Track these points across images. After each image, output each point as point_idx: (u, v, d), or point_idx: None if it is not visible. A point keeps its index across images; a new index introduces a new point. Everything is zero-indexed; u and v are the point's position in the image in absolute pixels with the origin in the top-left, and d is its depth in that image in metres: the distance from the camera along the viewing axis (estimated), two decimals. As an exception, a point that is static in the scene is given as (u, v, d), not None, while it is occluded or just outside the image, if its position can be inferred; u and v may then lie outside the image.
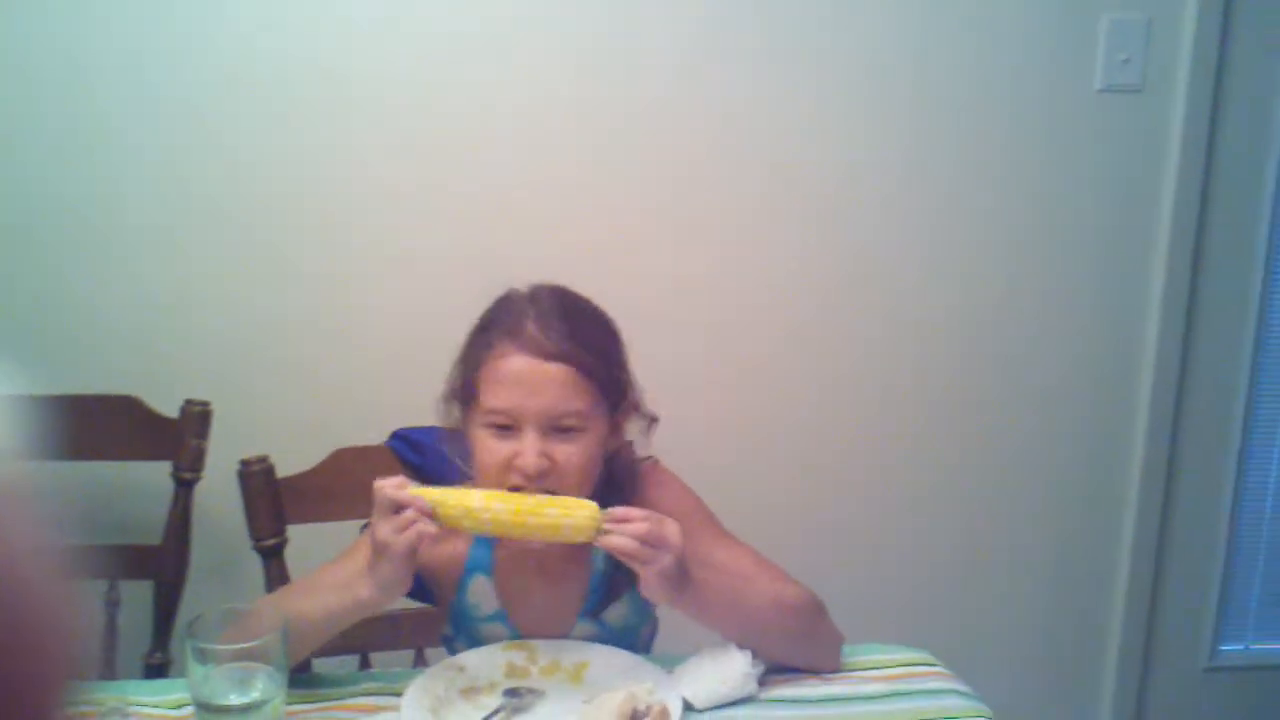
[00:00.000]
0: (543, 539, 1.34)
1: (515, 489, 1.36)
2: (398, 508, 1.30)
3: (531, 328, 1.37)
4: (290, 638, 1.28)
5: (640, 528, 1.29)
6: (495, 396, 1.37)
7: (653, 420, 1.50)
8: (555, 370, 1.36)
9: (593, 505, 1.32)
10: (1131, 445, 2.43)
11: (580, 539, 1.32)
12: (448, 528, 1.32)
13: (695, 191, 2.19)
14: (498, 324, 1.40)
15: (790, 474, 2.33)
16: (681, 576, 1.32)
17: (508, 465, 1.36)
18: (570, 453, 1.37)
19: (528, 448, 1.35)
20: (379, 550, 1.30)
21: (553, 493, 1.34)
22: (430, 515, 1.30)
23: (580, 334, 1.39)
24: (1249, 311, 2.41)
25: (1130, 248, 2.35)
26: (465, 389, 1.42)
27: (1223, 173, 2.33)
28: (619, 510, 1.32)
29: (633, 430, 1.49)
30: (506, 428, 1.37)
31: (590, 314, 1.44)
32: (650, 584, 1.32)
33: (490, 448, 1.38)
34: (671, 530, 1.30)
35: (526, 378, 1.36)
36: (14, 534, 0.39)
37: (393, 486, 1.31)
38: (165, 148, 2.03)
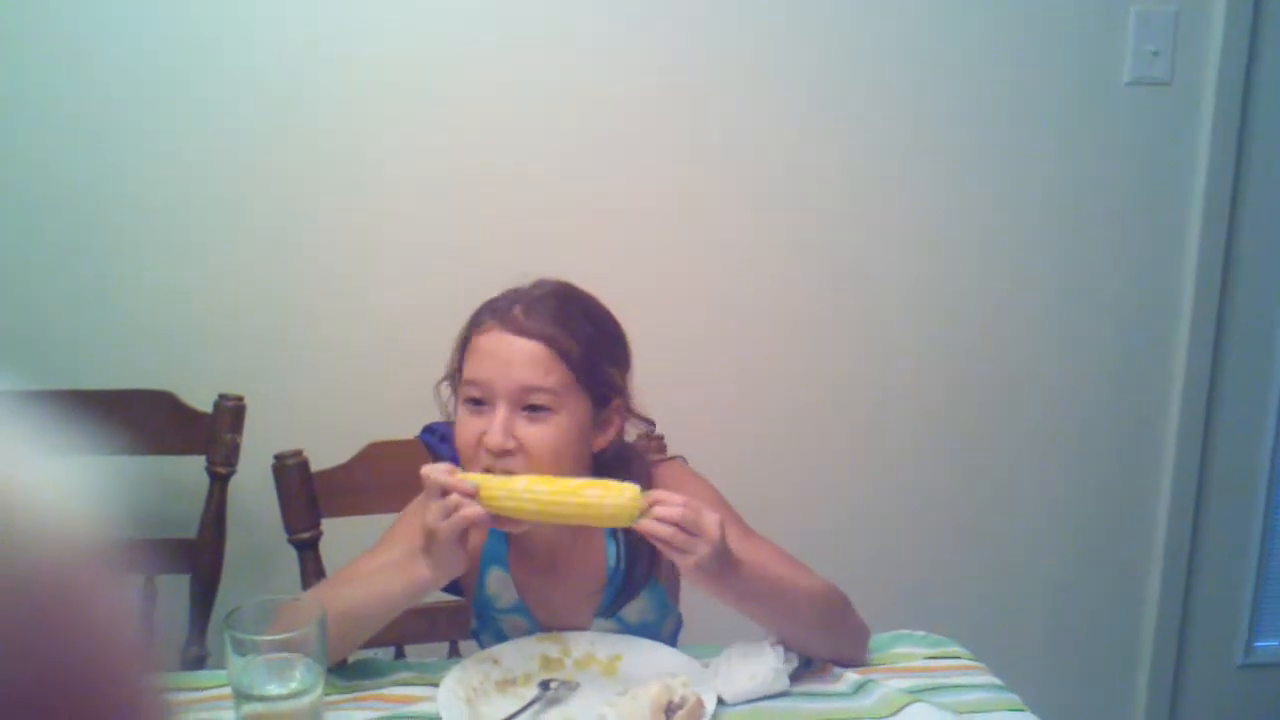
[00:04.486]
0: (584, 522, 1.34)
1: (486, 470, 1.37)
2: (444, 492, 1.32)
3: (518, 309, 1.40)
4: (345, 628, 1.30)
5: (676, 512, 1.29)
6: (470, 369, 1.41)
7: (648, 424, 1.52)
8: (527, 345, 1.38)
9: (634, 488, 1.31)
10: (1164, 440, 2.42)
11: (621, 522, 1.32)
12: (491, 510, 1.32)
13: (707, 184, 2.19)
14: (489, 305, 1.44)
15: (817, 469, 2.33)
16: (721, 567, 1.31)
17: (478, 442, 1.38)
18: (538, 434, 1.38)
19: (495, 423, 1.37)
20: (430, 535, 1.33)
21: (510, 473, 1.35)
22: (475, 498, 1.31)
23: (565, 319, 1.40)
24: (1281, 305, 2.39)
25: (1160, 242, 2.33)
26: (456, 369, 1.46)
27: (1253, 166, 2.31)
28: (658, 493, 1.32)
29: (630, 434, 1.50)
30: (480, 403, 1.39)
31: (586, 308, 1.45)
32: (688, 574, 1.33)
33: (465, 423, 1.41)
34: (709, 521, 1.30)
35: (498, 351, 1.38)
36: (72, 537, 0.39)
37: (440, 471, 1.33)
38: (198, 145, 2.04)
